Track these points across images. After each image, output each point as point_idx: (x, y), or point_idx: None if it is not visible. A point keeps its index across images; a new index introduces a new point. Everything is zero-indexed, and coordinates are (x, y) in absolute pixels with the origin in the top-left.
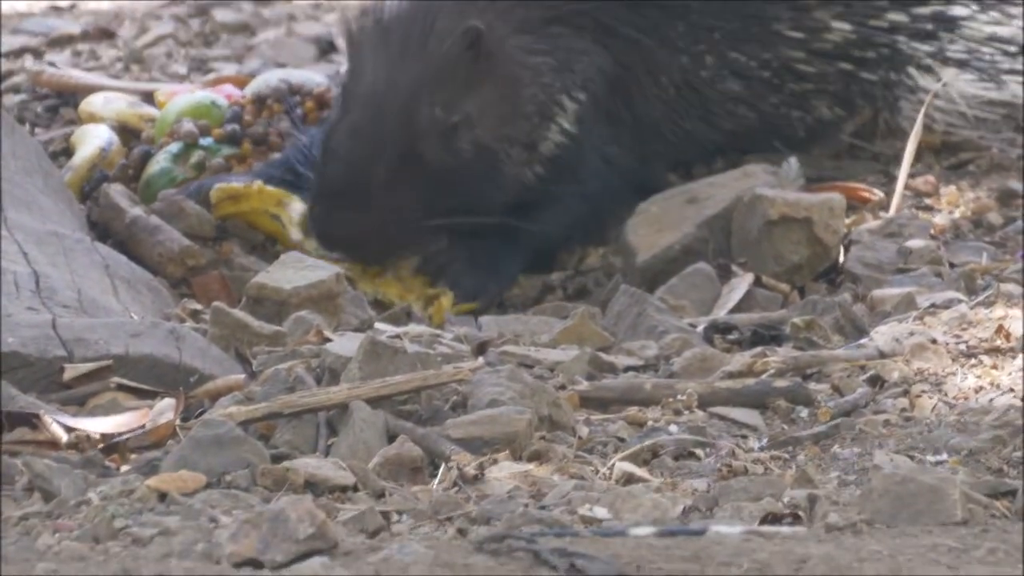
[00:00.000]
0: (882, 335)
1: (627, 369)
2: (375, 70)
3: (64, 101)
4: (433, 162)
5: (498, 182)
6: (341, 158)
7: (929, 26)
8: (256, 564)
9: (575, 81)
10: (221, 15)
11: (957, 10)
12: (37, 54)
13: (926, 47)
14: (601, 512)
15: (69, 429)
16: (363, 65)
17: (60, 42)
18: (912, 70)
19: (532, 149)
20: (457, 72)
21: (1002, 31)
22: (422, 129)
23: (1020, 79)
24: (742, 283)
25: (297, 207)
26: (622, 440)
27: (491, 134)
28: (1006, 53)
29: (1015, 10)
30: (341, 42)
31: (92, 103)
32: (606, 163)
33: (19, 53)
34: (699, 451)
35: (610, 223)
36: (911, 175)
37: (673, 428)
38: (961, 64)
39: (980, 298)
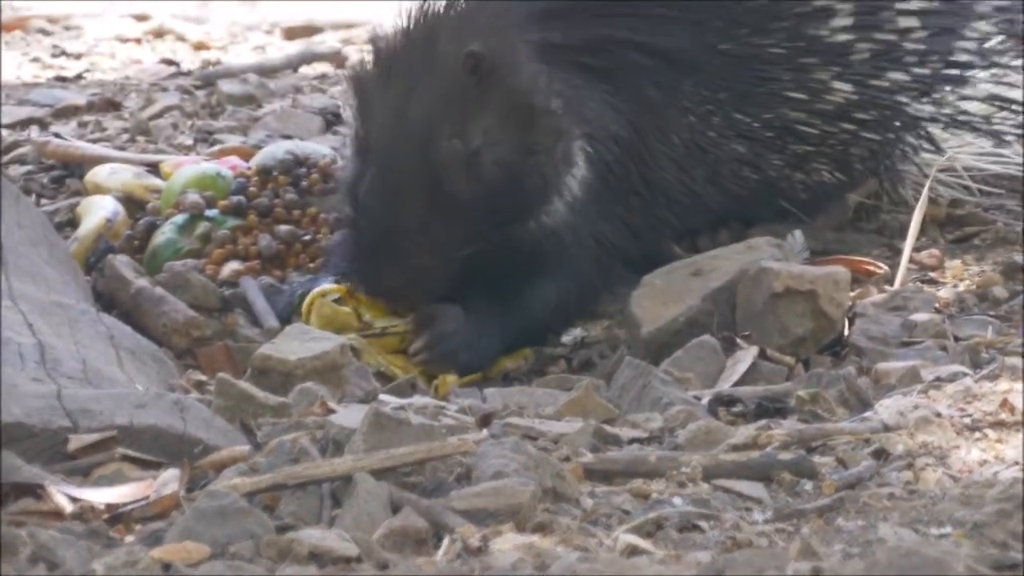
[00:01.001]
0: (886, 408)
1: (631, 441)
2: (385, 113)
3: (70, 172)
4: (462, 193)
5: (524, 202)
6: (373, 211)
7: (931, 87)
8: None
9: (585, 131)
10: (227, 87)
11: (958, 70)
12: (43, 125)
13: (927, 107)
14: None
15: (73, 500)
16: (372, 105)
17: (66, 113)
18: (911, 136)
19: (559, 167)
20: (466, 99)
21: (1005, 92)
22: (445, 164)
23: (1022, 143)
24: (747, 356)
25: None
26: (626, 512)
27: (511, 148)
28: (1010, 110)
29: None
30: (347, 113)
31: (98, 174)
32: (597, 241)
33: (25, 124)
34: (703, 523)
35: (597, 301)
36: (916, 248)
37: (677, 500)
38: (961, 125)
39: (984, 372)
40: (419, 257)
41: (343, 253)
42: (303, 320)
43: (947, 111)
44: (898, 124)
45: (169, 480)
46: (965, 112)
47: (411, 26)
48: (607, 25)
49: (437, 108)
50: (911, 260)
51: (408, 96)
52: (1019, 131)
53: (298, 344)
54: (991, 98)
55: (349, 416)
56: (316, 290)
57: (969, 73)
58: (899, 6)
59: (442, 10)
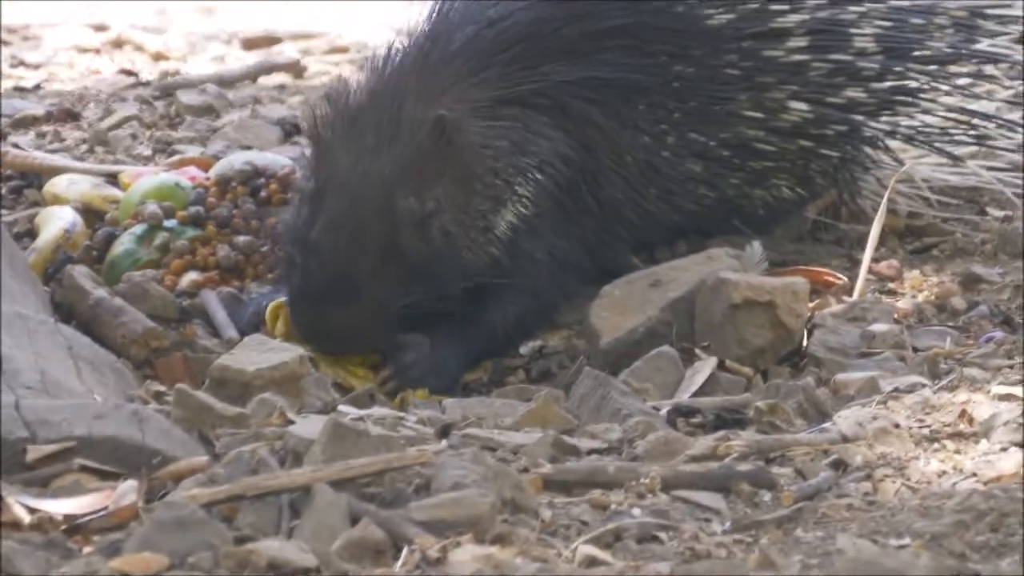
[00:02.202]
0: (845, 419)
1: (590, 452)
2: (348, 162)
3: (28, 183)
4: (411, 252)
5: (461, 267)
6: (323, 253)
7: (888, 102)
8: None
9: (531, 163)
10: (186, 97)
11: (915, 85)
12: (1, 135)
13: (884, 124)
14: None
15: (32, 510)
16: (333, 156)
17: (24, 123)
18: (870, 148)
19: (488, 232)
20: (427, 162)
21: (964, 104)
22: (400, 220)
23: (980, 158)
24: (705, 366)
25: None
26: (585, 523)
27: (454, 219)
28: (968, 125)
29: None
30: (305, 125)
31: (56, 185)
32: (552, 256)
33: None
34: (662, 534)
35: (557, 314)
36: (874, 259)
37: (636, 511)
38: (919, 141)
39: (943, 383)
40: (361, 308)
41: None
42: (268, 328)
43: (904, 128)
44: (856, 140)
45: (127, 491)
46: (922, 129)
47: (376, 83)
48: (559, 70)
49: (400, 166)
50: (870, 271)
51: (374, 149)
52: (977, 146)
53: (256, 355)
54: (951, 111)
55: (308, 427)
56: (282, 298)
57: (925, 91)
58: (853, 31)
59: (404, 71)
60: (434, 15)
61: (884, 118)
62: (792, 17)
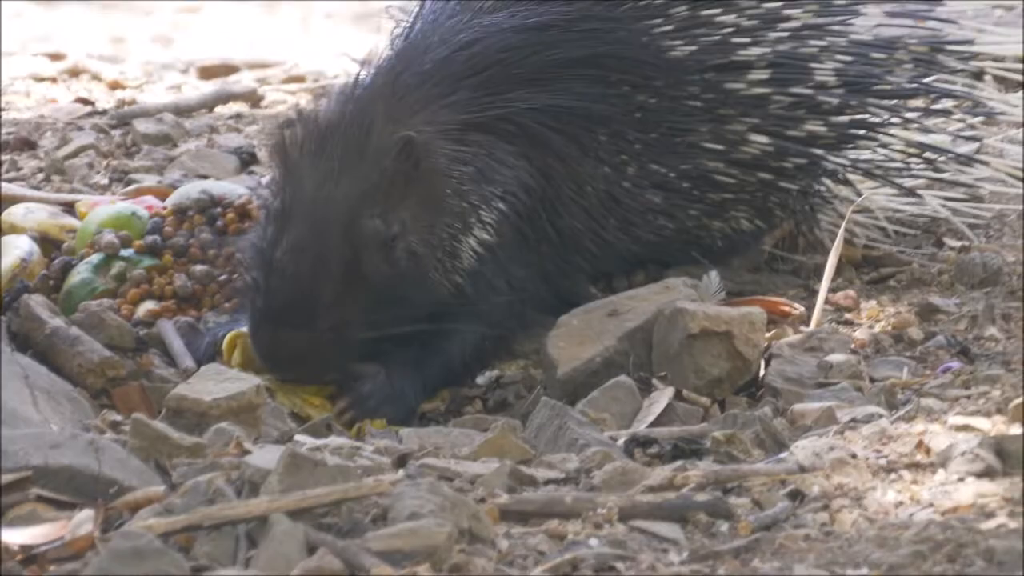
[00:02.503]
0: (802, 449)
1: (548, 482)
2: (313, 182)
3: None
4: (375, 275)
5: (427, 290)
6: (285, 275)
7: (847, 136)
8: None
9: (496, 192)
10: (142, 126)
11: (874, 119)
12: None
13: (843, 158)
14: None
15: None
16: (300, 176)
17: None
18: (830, 181)
19: (454, 256)
20: (394, 183)
21: (923, 139)
22: (365, 243)
23: (939, 192)
24: (663, 396)
25: None
26: (542, 553)
27: (420, 241)
28: (926, 161)
29: (934, 120)
30: (263, 153)
31: (13, 214)
32: (511, 286)
33: None
34: (619, 564)
35: (514, 345)
36: (831, 289)
37: (593, 541)
38: (878, 175)
39: (900, 413)
40: (323, 331)
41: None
42: (225, 359)
43: (863, 161)
44: (816, 173)
45: (84, 520)
46: (880, 163)
47: (344, 105)
48: (525, 97)
49: (365, 188)
50: (827, 301)
51: (339, 172)
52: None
53: (213, 384)
54: (909, 145)
55: (264, 457)
56: (239, 328)
57: (883, 125)
58: (814, 64)
59: (373, 93)
60: (404, 38)
61: (844, 152)
62: (754, 50)
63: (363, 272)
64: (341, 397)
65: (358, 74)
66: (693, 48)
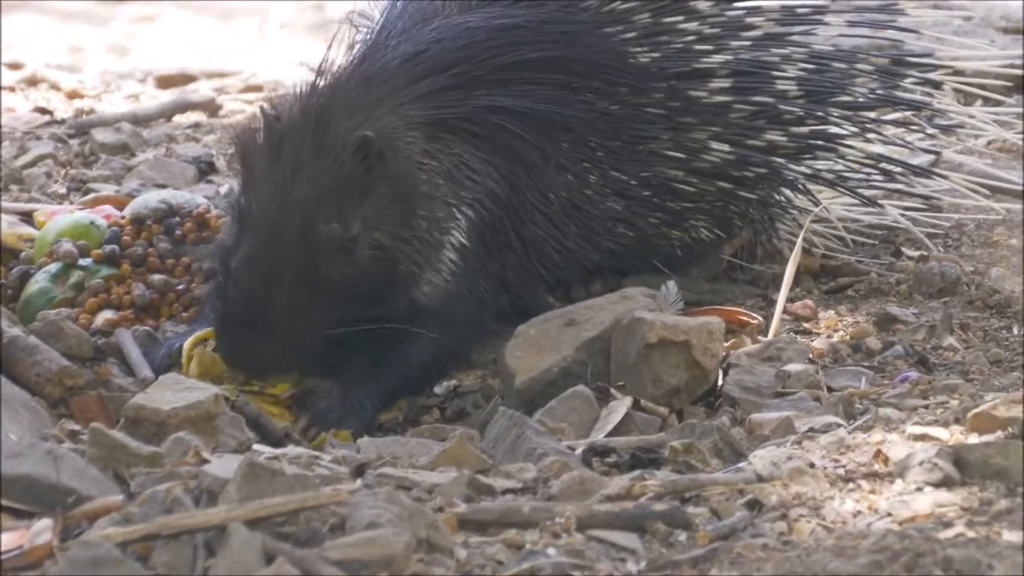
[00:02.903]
0: (760, 459)
1: (505, 492)
2: (269, 187)
3: None
4: (335, 277)
5: (396, 284)
6: (242, 283)
7: (807, 146)
8: None
9: (466, 197)
10: (100, 135)
11: (835, 130)
12: None
13: (803, 168)
14: None
15: None
16: (259, 177)
17: None
18: (789, 191)
19: (431, 252)
20: (351, 184)
21: (881, 150)
22: (321, 248)
23: (898, 202)
24: (620, 406)
25: None
26: (500, 563)
27: (389, 234)
28: (885, 173)
29: (892, 131)
30: (222, 162)
31: None
32: (472, 295)
33: None
34: (577, 574)
35: (473, 354)
36: (790, 299)
37: (551, 551)
38: (838, 185)
39: (858, 423)
40: (282, 335)
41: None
42: (183, 369)
43: (822, 171)
44: (776, 182)
45: (42, 530)
46: (840, 173)
47: (304, 103)
48: (487, 96)
49: (321, 191)
50: (785, 311)
51: (295, 174)
52: (895, 190)
53: (171, 394)
54: (868, 158)
55: (223, 466)
56: (196, 335)
57: (844, 136)
58: (775, 73)
59: (336, 89)
60: (370, 38)
61: (803, 162)
62: (716, 57)
63: (322, 276)
64: (300, 411)
65: (320, 72)
66: (656, 55)
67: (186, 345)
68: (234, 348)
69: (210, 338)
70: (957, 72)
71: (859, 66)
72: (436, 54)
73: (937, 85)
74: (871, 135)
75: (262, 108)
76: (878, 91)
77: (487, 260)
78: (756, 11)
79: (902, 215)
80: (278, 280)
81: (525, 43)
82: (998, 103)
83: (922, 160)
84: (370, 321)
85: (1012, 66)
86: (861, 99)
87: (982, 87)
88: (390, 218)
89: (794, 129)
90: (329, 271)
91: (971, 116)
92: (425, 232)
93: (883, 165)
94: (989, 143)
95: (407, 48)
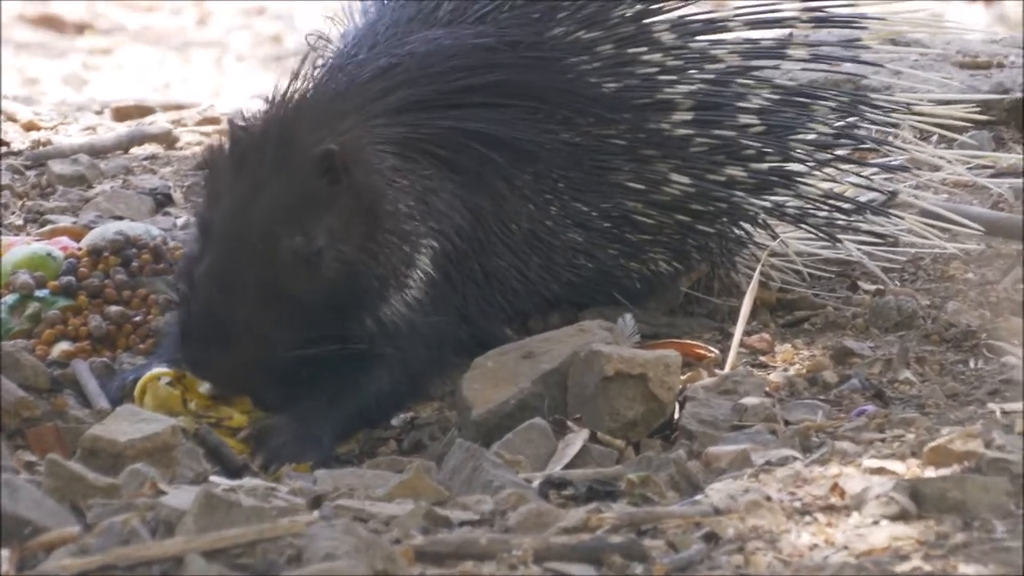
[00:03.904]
0: (717, 492)
1: (462, 523)
2: (232, 200)
3: None
4: (299, 290)
5: (362, 300)
6: (204, 298)
7: (766, 182)
8: None
9: (433, 227)
10: (57, 167)
11: (794, 167)
12: None
13: (763, 203)
14: None
15: None
16: (223, 192)
17: None
18: (748, 225)
19: (401, 271)
20: (315, 198)
21: (839, 189)
22: (283, 260)
23: (854, 236)
24: (577, 439)
25: None
26: None
27: (355, 248)
28: (840, 211)
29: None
30: (179, 194)
31: None
32: (433, 326)
33: None
34: None
35: (431, 387)
36: (746, 332)
37: None
38: (797, 220)
39: (815, 456)
40: (245, 347)
41: (174, 336)
42: (137, 403)
43: (784, 207)
44: (735, 216)
45: None
46: (799, 208)
47: (271, 116)
48: (457, 117)
49: (285, 205)
50: (742, 344)
51: (258, 188)
52: (852, 226)
53: (128, 425)
54: (826, 196)
55: (180, 497)
56: (150, 372)
57: (802, 173)
58: (740, 102)
59: (303, 103)
60: (343, 49)
61: (764, 197)
62: (680, 88)
63: (285, 288)
64: (256, 448)
65: (288, 86)
66: (619, 85)
67: (141, 381)
68: (197, 359)
69: (164, 376)
70: (914, 113)
71: (820, 101)
72: (408, 70)
73: (895, 124)
74: (829, 171)
75: (230, 121)
76: (836, 126)
77: (450, 293)
78: (720, 44)
79: (858, 249)
80: (240, 292)
81: (500, 65)
82: (953, 140)
83: (879, 198)
84: (335, 340)
85: (970, 103)
86: (820, 135)
87: (939, 125)
88: (356, 231)
89: (753, 165)
90: (293, 284)
91: (929, 153)
92: (391, 248)
93: (840, 203)
94: (945, 179)
95: (378, 63)
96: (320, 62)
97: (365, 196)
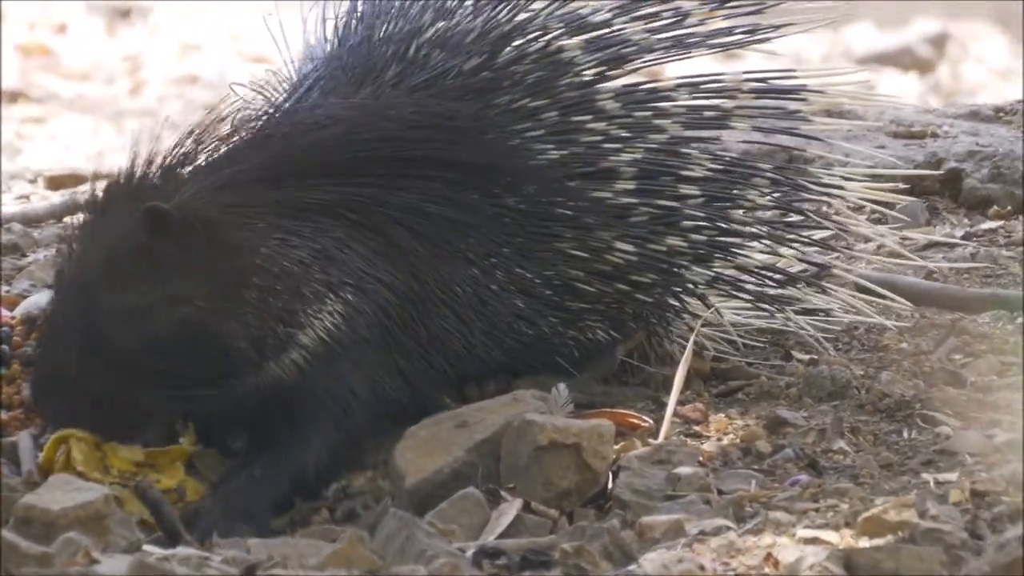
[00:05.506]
0: (651, 562)
1: None
2: (73, 253)
3: None
4: (130, 345)
5: (234, 361)
6: (42, 349)
7: (705, 253)
8: None
9: (346, 280)
10: None
11: (732, 239)
12: None
13: (702, 272)
14: None
15: None
16: (69, 248)
17: None
18: (685, 296)
19: (284, 333)
20: (146, 254)
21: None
22: (105, 314)
23: (788, 307)
24: (511, 508)
25: None
26: None
27: (208, 310)
28: (775, 281)
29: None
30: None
31: None
32: (373, 391)
33: None
34: None
35: (368, 452)
36: (680, 402)
37: None
38: (732, 291)
39: (749, 525)
40: (75, 394)
41: None
42: (58, 466)
43: (723, 279)
44: (674, 286)
45: None
46: (735, 279)
47: (124, 173)
48: (370, 185)
49: (108, 259)
50: (676, 413)
51: (91, 242)
52: (785, 296)
53: (61, 494)
54: (762, 267)
55: (113, 566)
56: (55, 436)
57: (739, 245)
58: (682, 172)
59: (159, 162)
60: (256, 112)
61: (703, 267)
62: (623, 156)
63: (112, 342)
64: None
65: (154, 146)
66: (563, 153)
67: (51, 440)
68: (44, 407)
69: (72, 436)
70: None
71: (760, 173)
72: (321, 140)
73: (830, 196)
74: (765, 242)
75: (93, 174)
76: (773, 196)
77: (387, 353)
78: (663, 113)
79: (792, 320)
80: (65, 346)
81: (429, 139)
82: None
83: (812, 271)
84: (211, 387)
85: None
86: (758, 207)
87: (872, 200)
88: (210, 292)
89: (693, 236)
90: (119, 339)
91: (866, 228)
92: (268, 309)
93: (773, 274)
94: (879, 248)
95: (289, 128)
96: (224, 125)
97: (220, 256)
